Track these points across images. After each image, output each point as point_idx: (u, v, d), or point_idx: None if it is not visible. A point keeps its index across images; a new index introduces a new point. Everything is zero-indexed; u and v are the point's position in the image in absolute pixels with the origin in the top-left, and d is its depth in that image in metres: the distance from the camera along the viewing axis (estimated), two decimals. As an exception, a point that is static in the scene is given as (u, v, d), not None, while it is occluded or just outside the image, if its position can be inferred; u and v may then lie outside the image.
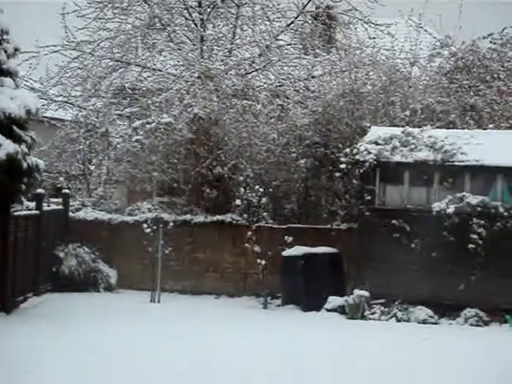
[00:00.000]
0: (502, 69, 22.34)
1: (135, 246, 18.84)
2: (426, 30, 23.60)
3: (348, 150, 17.95)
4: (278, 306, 17.93)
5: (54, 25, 22.15)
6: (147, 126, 20.20)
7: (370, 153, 17.20)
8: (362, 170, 17.29)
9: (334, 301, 16.85)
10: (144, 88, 21.84)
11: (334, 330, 14.82)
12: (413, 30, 22.22)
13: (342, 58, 21.68)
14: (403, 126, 18.33)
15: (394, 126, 18.97)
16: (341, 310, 16.67)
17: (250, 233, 18.31)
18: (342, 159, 18.00)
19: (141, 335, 13.48)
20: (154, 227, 18.32)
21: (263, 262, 18.08)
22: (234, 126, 20.26)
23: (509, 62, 22.79)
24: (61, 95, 22.71)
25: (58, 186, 22.12)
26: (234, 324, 15.38)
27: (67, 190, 20.64)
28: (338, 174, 18.76)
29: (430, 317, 16.16)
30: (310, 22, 23.38)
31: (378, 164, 17.17)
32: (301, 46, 23.04)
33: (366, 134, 18.23)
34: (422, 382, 10.99)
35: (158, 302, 17.87)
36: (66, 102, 22.76)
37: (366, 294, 16.58)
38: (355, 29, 23.21)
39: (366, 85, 20.33)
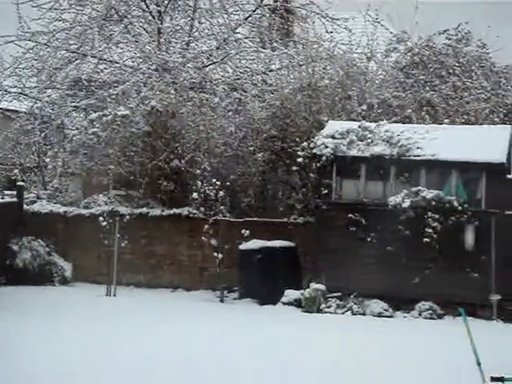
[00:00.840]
0: (457, 64, 22.58)
1: (91, 239, 18.72)
2: (382, 25, 23.72)
3: (305, 143, 18.01)
4: (235, 299, 17.94)
5: (7, 15, 21.86)
6: (104, 118, 20.05)
7: (327, 147, 17.27)
8: (318, 164, 17.35)
9: (290, 294, 16.91)
10: (100, 80, 21.66)
11: (290, 324, 14.84)
12: (370, 24, 22.33)
13: (299, 52, 21.72)
14: (360, 121, 18.44)
15: (351, 120, 19.07)
16: (297, 303, 16.73)
17: (206, 226, 18.27)
18: (300, 153, 18.05)
19: (94, 330, 13.29)
20: (110, 220, 18.20)
21: (220, 255, 18.05)
22: (191, 118, 20.20)
23: (464, 57, 23.05)
24: (15, 86, 22.42)
25: (13, 178, 21.89)
26: (189, 317, 15.33)
27: (22, 183, 20.43)
28: (295, 168, 18.81)
29: (385, 310, 16.29)
30: (267, 15, 23.39)
31: (335, 158, 17.24)
32: (258, 40, 23.04)
33: (323, 128, 18.30)
34: (379, 374, 11.05)
35: (114, 295, 17.76)
36: (20, 94, 22.48)
37: (322, 287, 16.66)
38: (313, 23, 23.27)
39: (324, 79, 20.40)
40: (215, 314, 16.06)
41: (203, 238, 18.27)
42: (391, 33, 23.68)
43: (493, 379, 7.16)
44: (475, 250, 16.28)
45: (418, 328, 15.12)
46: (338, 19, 22.72)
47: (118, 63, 22.12)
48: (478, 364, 8.19)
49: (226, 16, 22.29)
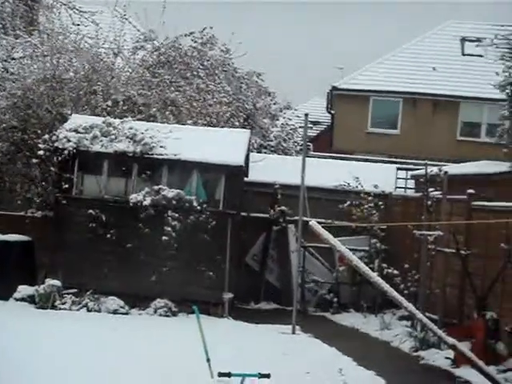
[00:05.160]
0: (201, 67, 23.11)
1: None
2: (130, 22, 23.72)
3: (47, 136, 17.57)
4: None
5: None
6: None
7: (69, 141, 16.97)
8: (60, 158, 17.00)
9: (23, 290, 16.42)
10: None
11: (20, 320, 14.32)
12: (118, 20, 22.22)
13: (44, 42, 21.10)
14: (105, 116, 18.29)
15: (96, 115, 18.86)
16: (31, 299, 16.28)
17: None
18: (41, 145, 17.59)
19: None
20: None
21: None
22: None
23: (208, 61, 23.63)
24: None
25: None
26: None
27: None
28: (35, 161, 18.31)
29: (121, 307, 16.27)
30: (11, 1, 22.55)
31: (78, 153, 16.98)
32: (0, 26, 22.15)
33: (66, 121, 17.96)
34: (105, 372, 10.93)
35: None
36: None
37: (58, 283, 16.34)
38: (59, 13, 22.73)
39: (69, 71, 20.00)
40: None
41: None
42: (139, 30, 23.76)
43: (220, 374, 7.38)
44: (211, 249, 16.70)
45: (152, 325, 15.21)
46: (85, 12, 22.40)
47: None
48: (208, 360, 8.43)
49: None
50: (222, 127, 21.15)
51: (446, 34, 34.43)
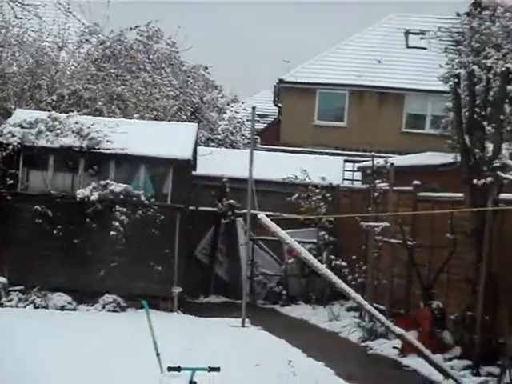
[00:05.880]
0: (147, 61, 23.00)
1: None
2: (74, 16, 23.49)
3: (-10, 131, 17.31)
4: None
5: None
6: None
7: (14, 136, 16.74)
8: (4, 153, 16.77)
9: (-32, 287, 16.19)
10: None
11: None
12: (61, 13, 21.97)
13: (-14, 36, 20.81)
14: (50, 111, 18.09)
15: (41, 109, 18.66)
16: (-24, 297, 16.06)
17: None
18: (-17, 141, 17.32)
19: None
20: None
21: None
22: None
23: (154, 54, 23.52)
24: None
25: None
26: None
27: None
28: (-22, 156, 18.04)
29: (69, 303, 16.14)
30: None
31: (23, 148, 16.77)
32: None
33: (10, 116, 17.72)
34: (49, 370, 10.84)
35: None
36: None
37: (4, 280, 16.13)
38: (1, 6, 22.36)
39: (12, 66, 19.75)
40: None
41: None
42: (83, 24, 23.53)
43: (170, 369, 7.37)
44: (160, 243, 16.64)
45: (101, 320, 15.12)
46: (28, 5, 22.04)
47: None
48: (157, 355, 8.40)
49: None
50: (169, 121, 21.10)
51: (390, 26, 34.73)
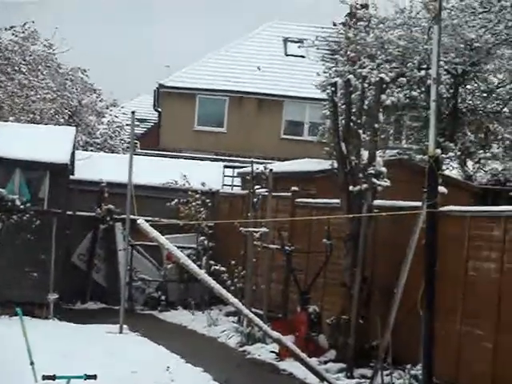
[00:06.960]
0: (23, 62, 22.52)
1: None
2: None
3: None
4: None
5: None
6: None
7: None
8: None
9: None
10: None
11: None
12: None
13: None
14: None
15: None
16: None
17: None
18: None
19: None
20: None
21: None
22: None
23: (31, 56, 23.05)
24: None
25: None
26: None
27: None
28: None
29: None
30: None
31: None
32: None
33: None
34: None
35: None
36: None
37: None
38: None
39: None
40: None
41: None
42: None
43: (45, 377, 7.23)
44: (36, 249, 16.29)
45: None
46: None
47: None
48: (32, 363, 8.24)
49: None
50: (46, 124, 20.70)
51: (269, 34, 35.15)
